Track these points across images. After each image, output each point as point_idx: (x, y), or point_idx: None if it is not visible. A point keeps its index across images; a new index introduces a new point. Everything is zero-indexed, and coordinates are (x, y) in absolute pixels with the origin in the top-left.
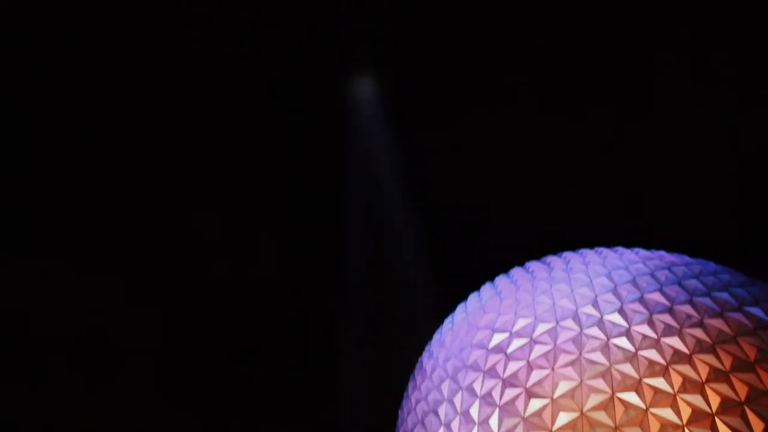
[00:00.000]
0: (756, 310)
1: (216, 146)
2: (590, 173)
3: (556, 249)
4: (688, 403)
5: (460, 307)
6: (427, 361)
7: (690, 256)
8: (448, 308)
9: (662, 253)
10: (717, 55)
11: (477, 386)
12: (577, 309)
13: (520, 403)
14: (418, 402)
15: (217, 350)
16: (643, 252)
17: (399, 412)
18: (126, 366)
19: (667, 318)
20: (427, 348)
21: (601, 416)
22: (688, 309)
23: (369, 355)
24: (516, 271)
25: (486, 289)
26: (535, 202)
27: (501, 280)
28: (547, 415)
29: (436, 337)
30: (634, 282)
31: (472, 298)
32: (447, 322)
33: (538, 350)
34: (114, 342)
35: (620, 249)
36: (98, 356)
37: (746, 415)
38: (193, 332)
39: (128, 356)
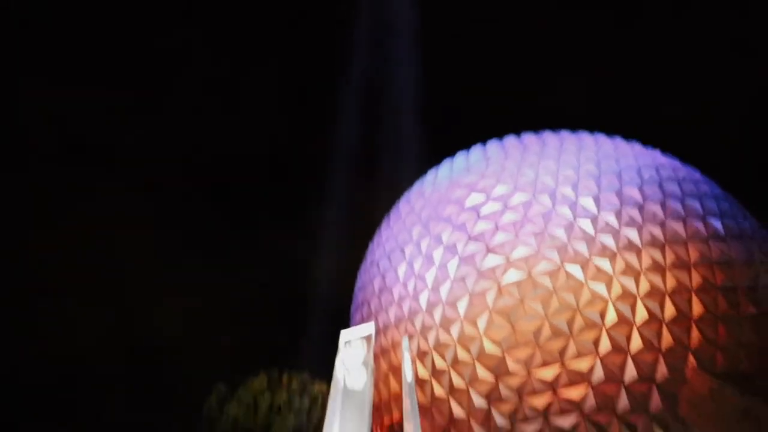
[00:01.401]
0: (716, 222)
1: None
2: (612, 59)
3: (558, 126)
4: (622, 285)
5: (447, 163)
6: (404, 205)
7: (682, 161)
8: (434, 162)
9: (657, 152)
10: None
11: (445, 236)
12: (556, 187)
13: (478, 257)
14: (388, 239)
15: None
16: (639, 147)
17: (369, 243)
18: None
19: (635, 213)
20: (406, 194)
21: (545, 280)
22: (657, 209)
23: (351, 196)
24: (509, 140)
25: (475, 150)
26: (548, 75)
27: (492, 145)
28: (499, 271)
29: (416, 186)
30: (618, 174)
31: (460, 156)
32: (430, 174)
33: (509, 217)
34: None
35: (618, 139)
36: None
37: (665, 302)
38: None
39: None
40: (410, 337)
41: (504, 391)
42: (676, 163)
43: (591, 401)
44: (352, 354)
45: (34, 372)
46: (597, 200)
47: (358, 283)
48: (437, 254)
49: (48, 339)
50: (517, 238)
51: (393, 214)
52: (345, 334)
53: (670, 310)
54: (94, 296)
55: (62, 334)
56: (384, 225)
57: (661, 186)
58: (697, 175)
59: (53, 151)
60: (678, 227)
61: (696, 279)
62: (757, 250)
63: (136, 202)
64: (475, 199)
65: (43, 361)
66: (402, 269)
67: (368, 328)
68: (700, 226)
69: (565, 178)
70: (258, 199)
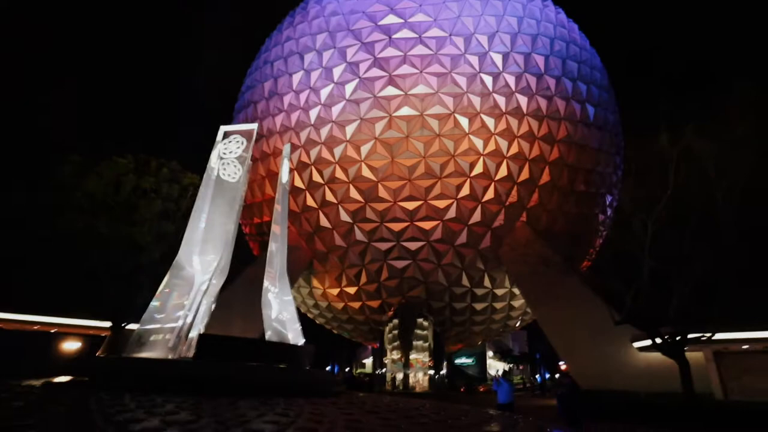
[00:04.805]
0: (591, 109)
1: None
2: None
3: None
4: (497, 144)
5: None
6: (313, 5)
7: (591, 43)
8: None
9: (575, 26)
10: None
11: (350, 53)
12: (474, 32)
13: (378, 84)
14: (288, 39)
15: None
16: (563, 15)
17: (266, 39)
18: None
19: (533, 80)
20: None
21: (434, 123)
22: (552, 82)
23: None
24: None
25: None
26: None
27: None
28: (394, 103)
29: None
30: (534, 38)
31: None
32: None
33: (420, 50)
34: None
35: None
36: None
37: (524, 167)
38: None
39: None
40: (293, 148)
41: (369, 213)
42: (586, 44)
43: (438, 233)
44: (230, 148)
45: None
46: (506, 58)
47: (247, 81)
48: (338, 71)
49: None
50: (420, 75)
51: (299, 12)
52: (225, 128)
53: (525, 174)
54: None
55: None
56: (286, 22)
57: (564, 62)
58: (596, 61)
59: None
60: (561, 105)
61: (555, 153)
62: (607, 141)
63: None
64: (391, 20)
65: None
66: (297, 77)
67: (250, 126)
68: (578, 108)
69: (486, 25)
70: None
